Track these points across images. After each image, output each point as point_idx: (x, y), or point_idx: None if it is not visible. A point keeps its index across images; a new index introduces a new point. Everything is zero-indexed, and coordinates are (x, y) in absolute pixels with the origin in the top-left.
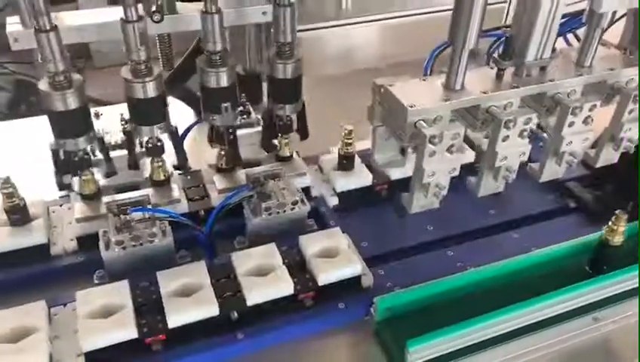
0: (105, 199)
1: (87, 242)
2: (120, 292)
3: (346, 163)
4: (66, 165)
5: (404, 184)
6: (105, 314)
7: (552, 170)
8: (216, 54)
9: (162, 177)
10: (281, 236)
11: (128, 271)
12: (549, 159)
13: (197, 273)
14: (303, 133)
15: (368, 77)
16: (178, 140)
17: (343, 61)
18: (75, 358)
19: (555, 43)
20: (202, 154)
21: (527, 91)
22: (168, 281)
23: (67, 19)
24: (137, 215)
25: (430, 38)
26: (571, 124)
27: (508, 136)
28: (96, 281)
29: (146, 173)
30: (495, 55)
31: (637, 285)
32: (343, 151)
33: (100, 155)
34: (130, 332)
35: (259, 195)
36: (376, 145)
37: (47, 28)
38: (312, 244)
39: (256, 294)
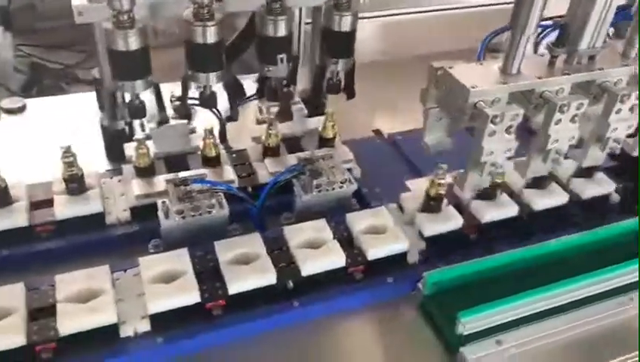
0: (167, 177)
1: (142, 212)
2: (180, 260)
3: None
4: (123, 109)
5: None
6: (167, 279)
7: (594, 156)
8: (277, 2)
9: (213, 153)
10: (327, 213)
11: (183, 241)
12: (592, 145)
13: (253, 244)
14: (350, 93)
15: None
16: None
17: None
18: (139, 320)
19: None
20: (244, 134)
21: (579, 78)
22: (226, 251)
23: None
24: (197, 187)
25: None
26: (618, 111)
27: (560, 120)
28: (151, 250)
29: (194, 143)
30: (547, 43)
31: None
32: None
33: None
34: (194, 297)
35: (310, 173)
36: (428, 126)
37: None
38: (359, 221)
39: (310, 265)
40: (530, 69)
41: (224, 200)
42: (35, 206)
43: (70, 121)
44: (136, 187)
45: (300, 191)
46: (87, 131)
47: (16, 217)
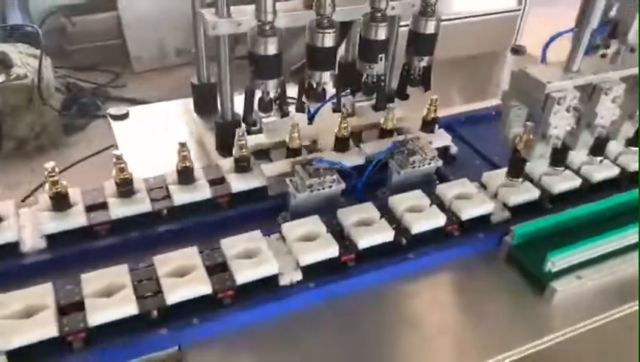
0: (295, 160)
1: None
2: (315, 223)
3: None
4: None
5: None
6: (309, 239)
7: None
8: (380, 11)
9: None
10: (417, 187)
11: (307, 212)
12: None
13: (369, 210)
14: (427, 86)
15: None
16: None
17: None
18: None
19: None
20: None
21: (626, 73)
22: (349, 216)
23: None
24: (321, 165)
25: None
26: None
27: (605, 101)
28: (280, 221)
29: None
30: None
31: None
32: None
33: None
34: (333, 251)
35: (408, 151)
36: (509, 121)
37: None
38: (449, 191)
39: (418, 225)
40: (586, 67)
41: (339, 177)
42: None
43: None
44: (267, 170)
45: (396, 168)
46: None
47: (139, 205)
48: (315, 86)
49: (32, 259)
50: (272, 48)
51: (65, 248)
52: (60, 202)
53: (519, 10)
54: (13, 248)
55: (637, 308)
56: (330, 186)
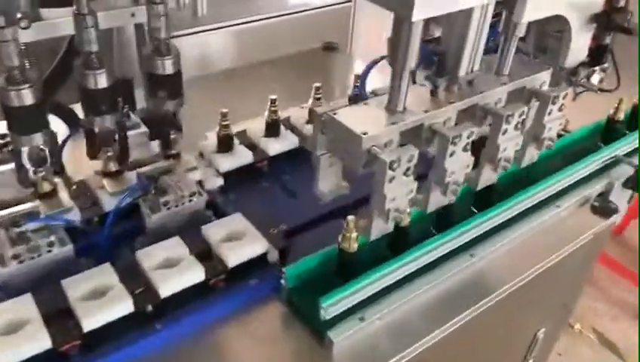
0: None
1: None
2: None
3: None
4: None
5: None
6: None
7: (487, 177)
8: (92, 54)
9: (48, 188)
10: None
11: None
12: (485, 167)
13: (104, 275)
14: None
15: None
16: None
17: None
18: None
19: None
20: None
21: (463, 105)
22: (75, 288)
23: None
24: (32, 225)
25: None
26: (505, 132)
27: (454, 152)
28: None
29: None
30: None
31: None
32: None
33: None
34: (45, 344)
35: (157, 190)
36: (321, 174)
37: None
38: (217, 231)
39: (167, 285)
40: (415, 103)
41: (66, 236)
42: None
43: None
44: None
45: (147, 212)
46: None
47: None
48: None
49: None
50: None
51: None
52: None
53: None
54: None
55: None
56: (50, 251)
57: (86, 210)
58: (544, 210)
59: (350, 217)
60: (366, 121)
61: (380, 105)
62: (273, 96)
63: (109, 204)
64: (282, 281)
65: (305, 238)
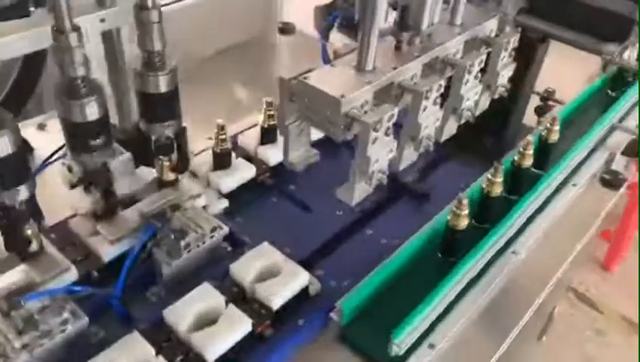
0: None
1: None
2: None
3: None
4: None
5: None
6: None
7: (450, 130)
8: (78, 79)
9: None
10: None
11: None
12: (450, 117)
13: (134, 347)
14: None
15: None
16: None
17: None
18: None
19: None
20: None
21: (428, 58)
22: None
23: None
24: (34, 304)
25: None
26: (467, 82)
27: (427, 107)
28: None
29: None
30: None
31: None
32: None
33: None
34: None
35: (175, 233)
36: (291, 144)
37: None
38: (248, 269)
39: (214, 348)
40: (383, 61)
41: (76, 307)
42: None
43: None
44: None
45: (164, 259)
46: None
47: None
48: None
49: None
50: None
51: None
52: None
53: None
54: None
55: None
56: (63, 331)
57: (78, 265)
58: (563, 191)
59: (462, 194)
60: (340, 84)
61: (348, 65)
62: (269, 99)
63: (108, 254)
64: (334, 316)
65: (338, 259)
